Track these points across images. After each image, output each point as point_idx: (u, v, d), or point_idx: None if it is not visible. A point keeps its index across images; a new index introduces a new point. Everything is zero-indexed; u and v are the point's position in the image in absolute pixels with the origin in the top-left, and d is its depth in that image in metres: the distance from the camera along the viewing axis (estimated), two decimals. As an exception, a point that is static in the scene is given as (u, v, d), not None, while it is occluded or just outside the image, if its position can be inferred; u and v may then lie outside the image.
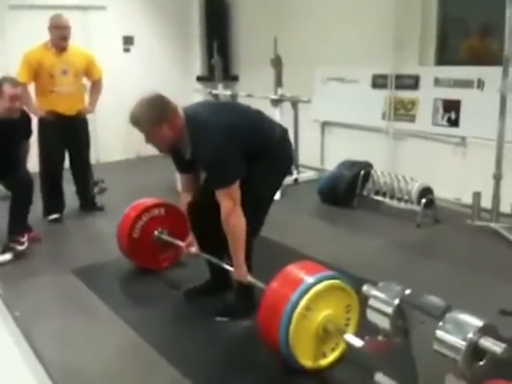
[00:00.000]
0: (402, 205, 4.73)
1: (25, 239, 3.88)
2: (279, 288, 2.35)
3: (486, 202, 4.40)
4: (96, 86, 4.83)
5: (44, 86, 4.47)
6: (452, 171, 4.90)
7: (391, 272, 3.39)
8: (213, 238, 2.89)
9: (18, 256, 3.79)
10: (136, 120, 2.64)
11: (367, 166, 5.06)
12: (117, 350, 2.70)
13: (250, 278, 2.74)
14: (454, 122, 4.89)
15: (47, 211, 4.64)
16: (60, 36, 4.42)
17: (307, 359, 2.32)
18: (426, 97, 5.09)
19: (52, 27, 4.43)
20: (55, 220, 4.62)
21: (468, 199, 4.59)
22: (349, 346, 2.25)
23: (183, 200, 3.04)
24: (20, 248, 3.83)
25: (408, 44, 5.19)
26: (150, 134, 2.67)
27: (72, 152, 4.73)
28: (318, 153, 6.26)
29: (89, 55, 4.78)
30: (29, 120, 4.07)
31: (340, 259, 3.52)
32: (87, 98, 4.82)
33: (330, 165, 5.54)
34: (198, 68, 7.57)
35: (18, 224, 3.91)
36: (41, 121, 4.51)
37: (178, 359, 2.56)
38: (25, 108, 4.12)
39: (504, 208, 4.32)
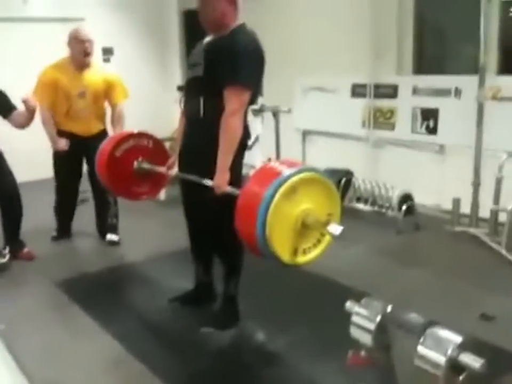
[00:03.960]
0: (383, 211, 4.78)
1: (6, 251, 3.86)
2: (258, 178, 2.28)
3: (466, 208, 4.48)
4: (114, 113, 4.29)
5: (60, 107, 4.13)
6: (431, 178, 4.98)
7: (372, 279, 3.43)
8: (204, 236, 3.01)
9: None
10: None
11: (348, 174, 5.11)
12: (101, 363, 2.68)
13: (229, 188, 2.56)
14: (432, 130, 4.97)
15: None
16: (80, 50, 4.06)
17: (285, 253, 2.20)
18: (405, 106, 5.16)
19: (71, 40, 4.09)
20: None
21: (447, 205, 4.66)
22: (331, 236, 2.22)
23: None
24: (1, 260, 3.80)
25: (386, 54, 5.26)
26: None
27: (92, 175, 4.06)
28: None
29: (110, 77, 4.29)
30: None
31: (320, 266, 3.52)
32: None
33: (312, 173, 5.57)
34: (178, 77, 7.56)
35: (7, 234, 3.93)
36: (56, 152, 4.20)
37: (164, 371, 2.56)
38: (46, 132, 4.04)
39: (483, 213, 4.39)
